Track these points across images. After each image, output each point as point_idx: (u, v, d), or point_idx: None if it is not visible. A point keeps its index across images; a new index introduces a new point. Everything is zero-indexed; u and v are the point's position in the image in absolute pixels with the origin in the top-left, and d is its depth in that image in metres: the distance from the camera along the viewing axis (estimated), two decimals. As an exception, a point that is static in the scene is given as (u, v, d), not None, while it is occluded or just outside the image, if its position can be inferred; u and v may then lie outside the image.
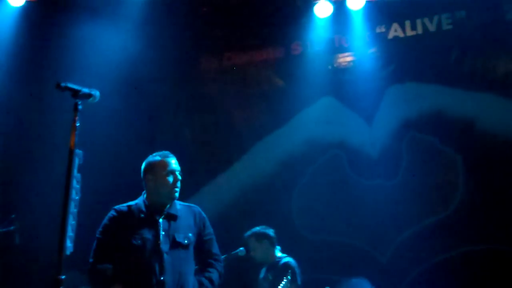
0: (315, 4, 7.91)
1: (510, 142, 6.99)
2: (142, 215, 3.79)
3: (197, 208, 4.03)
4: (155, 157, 3.94)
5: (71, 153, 2.87)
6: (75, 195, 2.86)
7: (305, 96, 8.05)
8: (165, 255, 3.66)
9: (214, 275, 3.91)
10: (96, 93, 3.14)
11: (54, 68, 7.39)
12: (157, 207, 3.84)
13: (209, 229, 4.01)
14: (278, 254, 5.88)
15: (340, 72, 8.06)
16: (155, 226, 3.75)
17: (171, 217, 3.82)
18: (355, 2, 7.70)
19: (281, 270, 5.65)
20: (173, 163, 3.92)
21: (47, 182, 6.75)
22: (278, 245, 5.98)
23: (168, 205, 3.87)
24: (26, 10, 7.64)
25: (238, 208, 7.94)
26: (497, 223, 6.84)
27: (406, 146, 7.54)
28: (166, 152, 3.98)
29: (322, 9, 7.90)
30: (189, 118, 8.69)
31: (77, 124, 2.95)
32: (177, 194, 3.88)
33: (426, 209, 7.29)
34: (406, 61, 7.75)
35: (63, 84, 2.99)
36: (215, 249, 4.02)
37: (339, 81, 8.02)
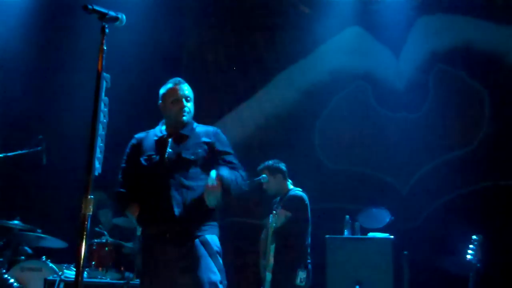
0: None
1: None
2: (155, 138, 3.94)
3: (214, 128, 4.08)
4: (167, 84, 4.04)
5: (98, 76, 2.90)
6: (103, 118, 2.90)
7: (331, 25, 7.88)
8: (171, 172, 3.77)
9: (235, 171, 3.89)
10: (123, 16, 3.13)
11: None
12: (172, 131, 3.96)
13: (226, 148, 3.98)
14: (291, 186, 5.99)
15: (368, 2, 7.86)
16: (164, 146, 3.87)
17: (181, 137, 3.92)
18: None
19: (287, 201, 5.77)
20: (181, 89, 3.98)
21: (75, 104, 6.87)
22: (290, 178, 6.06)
23: (182, 128, 3.95)
24: None
25: (260, 136, 7.99)
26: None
27: (432, 79, 7.45)
28: (178, 79, 4.05)
29: None
30: (212, 44, 8.60)
31: (104, 48, 2.96)
32: (185, 118, 3.94)
33: (450, 143, 7.29)
34: (437, -9, 7.54)
35: (90, 6, 2.99)
36: (234, 161, 3.95)
37: (367, 11, 7.82)
